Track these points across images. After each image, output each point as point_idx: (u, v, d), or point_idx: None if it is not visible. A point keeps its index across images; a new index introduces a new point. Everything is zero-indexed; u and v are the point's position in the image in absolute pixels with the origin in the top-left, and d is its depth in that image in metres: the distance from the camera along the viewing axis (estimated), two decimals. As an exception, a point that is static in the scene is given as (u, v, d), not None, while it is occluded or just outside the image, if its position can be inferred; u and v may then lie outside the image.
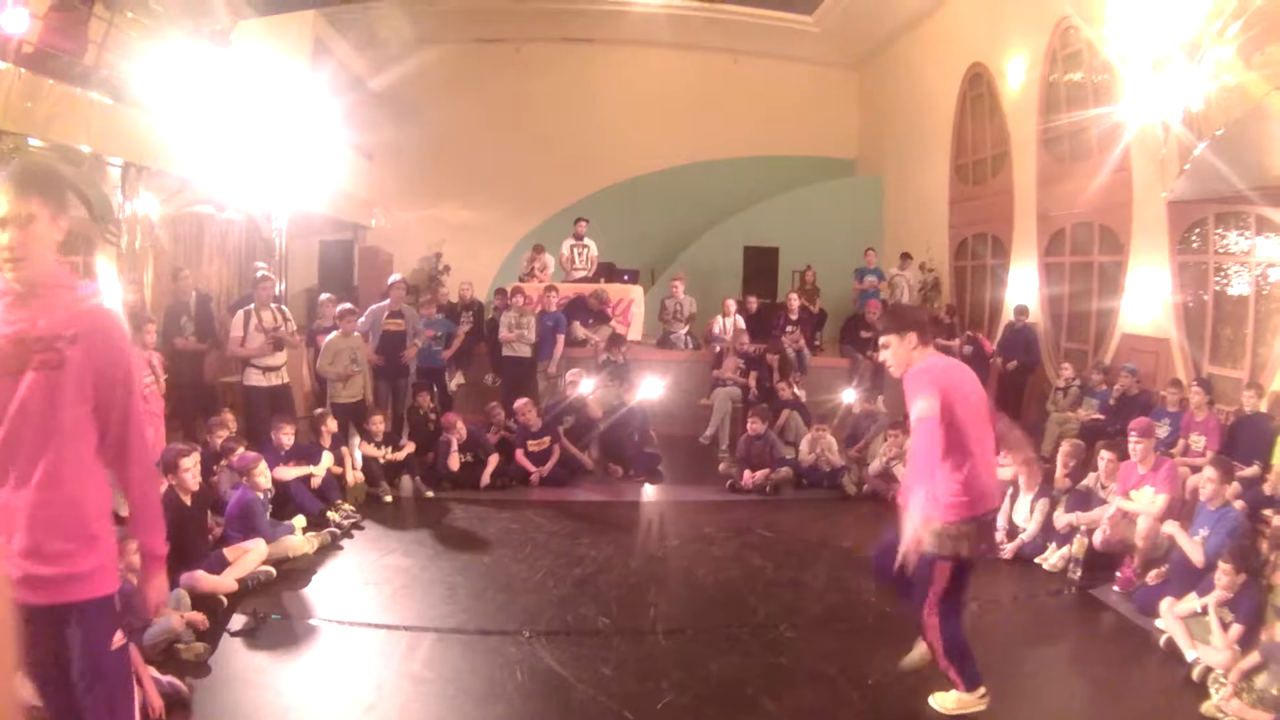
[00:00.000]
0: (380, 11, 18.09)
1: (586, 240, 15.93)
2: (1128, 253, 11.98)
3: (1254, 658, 5.27)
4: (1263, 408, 9.17)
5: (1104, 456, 8.27)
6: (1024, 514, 8.37)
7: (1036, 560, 8.02)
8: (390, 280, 12.18)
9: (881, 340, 5.20)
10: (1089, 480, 8.48)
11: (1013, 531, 8.37)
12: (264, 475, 7.73)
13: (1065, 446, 8.94)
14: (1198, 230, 10.81)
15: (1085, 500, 8.18)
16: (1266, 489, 8.02)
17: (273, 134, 12.19)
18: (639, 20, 19.32)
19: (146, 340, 8.54)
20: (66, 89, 9.07)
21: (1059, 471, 8.71)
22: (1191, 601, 6.11)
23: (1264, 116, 7.54)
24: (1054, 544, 8.02)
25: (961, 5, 16.58)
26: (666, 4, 18.82)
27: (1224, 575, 5.82)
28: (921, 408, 4.64)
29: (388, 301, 11.59)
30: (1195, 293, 10.91)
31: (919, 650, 5.33)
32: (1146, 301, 11.62)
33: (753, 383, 12.86)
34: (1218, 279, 10.61)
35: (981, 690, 5.04)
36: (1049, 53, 13.66)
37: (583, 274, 15.70)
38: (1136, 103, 10.73)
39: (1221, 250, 10.55)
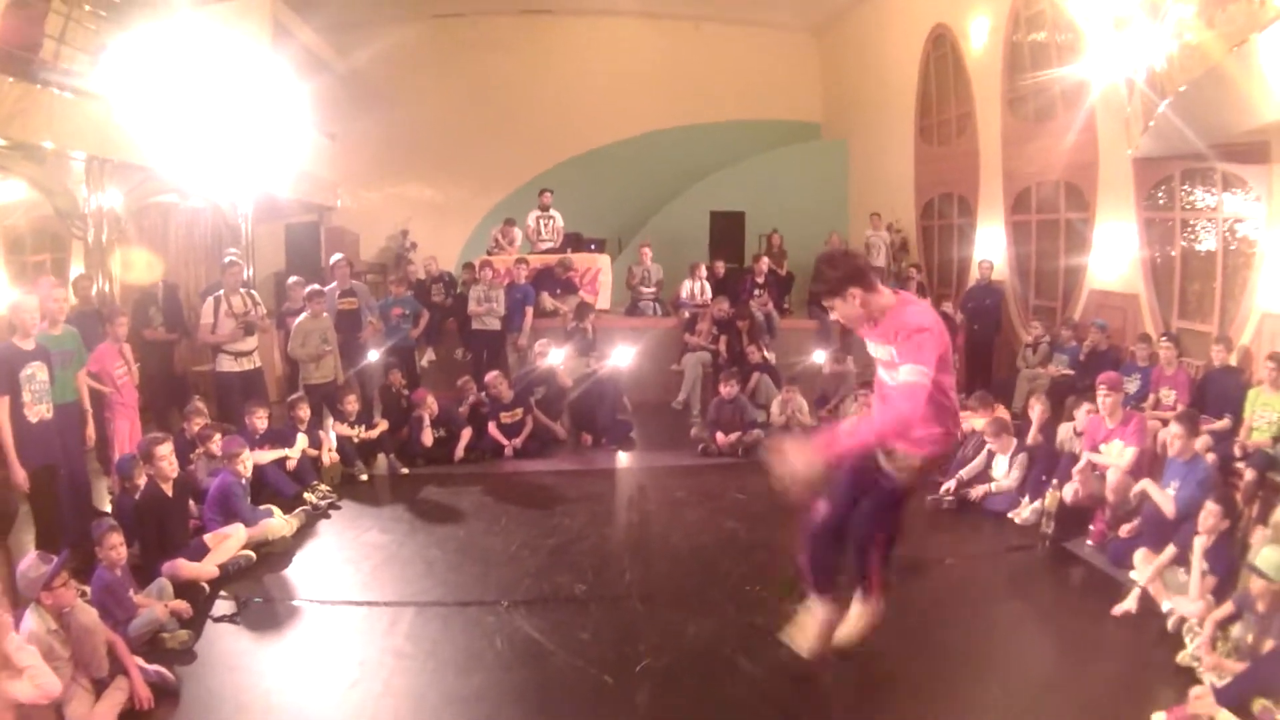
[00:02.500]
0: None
1: (552, 211, 15.90)
2: (1094, 210, 12.07)
3: (1228, 608, 5.39)
4: (1232, 361, 9.29)
5: (1084, 408, 8.46)
6: (1003, 469, 8.59)
7: (1009, 515, 8.20)
8: (332, 260, 12.23)
9: (825, 303, 4.89)
10: (1062, 433, 8.65)
11: (984, 479, 8.67)
12: (246, 464, 7.82)
13: (1039, 404, 9.10)
14: (1164, 187, 10.89)
15: (1055, 456, 8.36)
16: (1237, 445, 8.16)
17: (235, 119, 12.17)
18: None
19: (118, 332, 8.56)
20: (27, 86, 9.06)
21: (1034, 428, 8.89)
22: (1170, 551, 6.21)
23: (1223, 76, 7.63)
24: (1026, 498, 8.20)
25: (925, -34, 16.55)
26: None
27: (1210, 517, 5.90)
28: (919, 372, 4.44)
29: (335, 283, 11.67)
30: (1163, 248, 11.00)
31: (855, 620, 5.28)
32: (1114, 258, 11.73)
33: (723, 347, 12.95)
34: (1185, 235, 10.68)
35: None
36: (1012, 13, 13.66)
37: (549, 245, 15.69)
38: (1100, 62, 10.81)
39: (1188, 206, 10.62)
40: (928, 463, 4.83)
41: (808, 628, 5.23)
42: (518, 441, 10.60)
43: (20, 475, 6.50)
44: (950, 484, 8.69)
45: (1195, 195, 10.55)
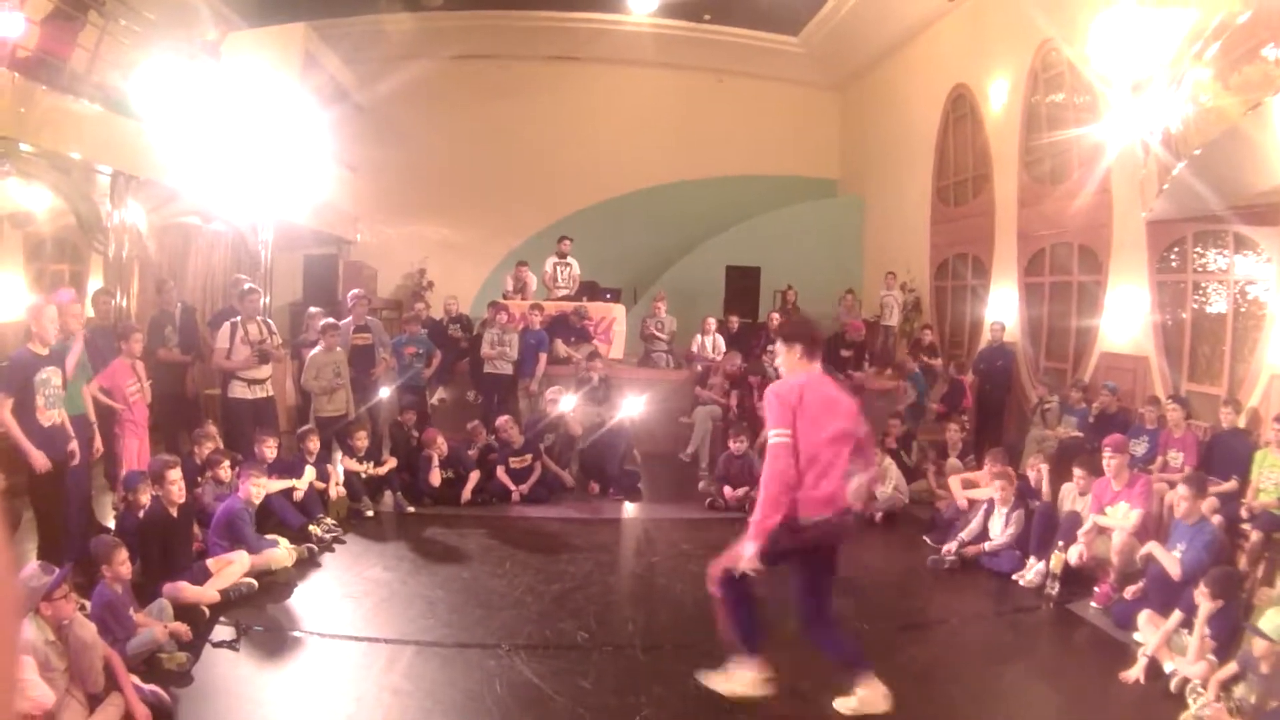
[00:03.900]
0: (369, 26, 18.19)
1: (570, 259, 15.97)
2: (1107, 272, 12.07)
3: (1231, 668, 5.39)
4: (1240, 423, 9.25)
5: (1077, 474, 8.42)
6: (999, 525, 8.55)
7: (1014, 576, 8.14)
8: (350, 294, 12.24)
9: (774, 347, 5.75)
10: (1062, 494, 8.61)
11: (983, 540, 8.64)
12: (258, 487, 7.81)
13: (1041, 464, 9.10)
14: (1176, 249, 10.90)
15: (1053, 517, 8.33)
16: (1243, 506, 8.10)
17: (261, 146, 12.25)
18: (625, 39, 19.50)
19: (132, 349, 8.57)
20: (58, 96, 9.15)
21: (1044, 488, 8.87)
22: (1176, 617, 6.17)
23: (1239, 137, 7.68)
24: (1032, 559, 8.13)
25: (946, 27, 16.74)
26: (653, 23, 18.95)
27: (1203, 599, 5.89)
28: (774, 434, 5.04)
29: (350, 318, 11.67)
30: (1174, 311, 11.00)
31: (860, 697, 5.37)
32: (1125, 320, 11.71)
33: (734, 402, 12.91)
34: (1196, 297, 10.70)
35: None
36: (1031, 74, 13.79)
37: (565, 292, 15.73)
38: (1117, 123, 10.90)
39: (1200, 269, 10.64)
40: (777, 532, 5.04)
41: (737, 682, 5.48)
42: (525, 487, 10.55)
43: (41, 461, 6.55)
44: (951, 545, 8.66)
45: (1207, 257, 10.57)
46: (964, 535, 8.75)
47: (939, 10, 16.50)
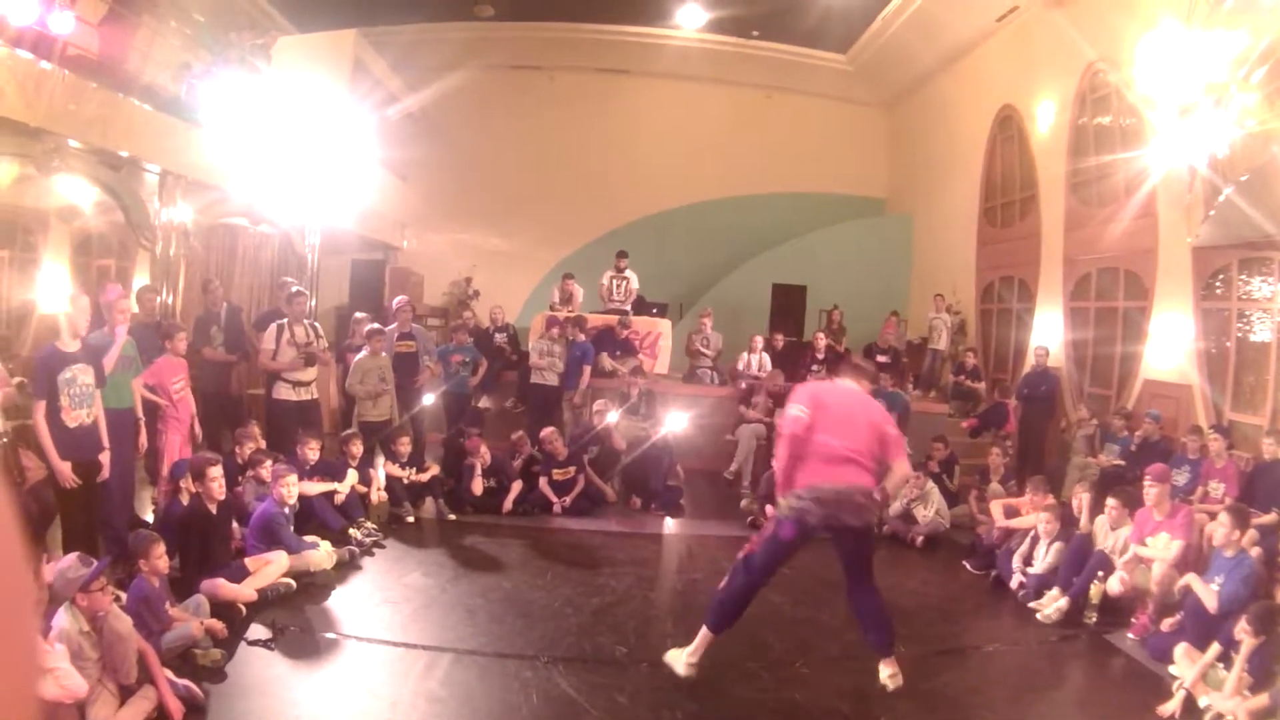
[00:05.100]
0: (419, 34, 18.30)
1: (626, 273, 15.92)
2: (1152, 298, 11.94)
3: (1263, 699, 5.34)
4: (1282, 454, 9.10)
5: (1110, 504, 8.26)
6: (1041, 555, 8.39)
7: (1031, 606, 7.98)
8: (395, 302, 12.25)
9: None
10: (1096, 527, 8.44)
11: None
12: (290, 487, 7.76)
13: (1083, 493, 8.94)
14: (1221, 276, 10.79)
15: (1086, 549, 8.15)
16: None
17: (309, 150, 12.31)
18: (675, 53, 19.57)
19: (177, 347, 8.58)
20: (109, 94, 9.23)
21: (1084, 517, 8.69)
22: (1214, 650, 6.06)
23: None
24: (1055, 590, 7.89)
25: (993, 48, 16.68)
26: (703, 38, 19.00)
27: (1245, 635, 5.76)
28: (790, 414, 5.78)
29: (395, 325, 11.66)
30: (1218, 339, 10.88)
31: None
32: (1169, 347, 11.57)
33: (778, 420, 12.79)
34: (1240, 325, 10.58)
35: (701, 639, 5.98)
36: (1078, 96, 13.71)
37: (619, 306, 15.70)
38: (1163, 147, 10.81)
39: (1244, 296, 10.52)
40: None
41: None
42: (568, 499, 10.48)
43: (65, 473, 6.47)
44: (1024, 579, 8.37)
45: (1252, 285, 10.45)
46: (1025, 566, 8.50)
47: (987, 30, 16.44)
